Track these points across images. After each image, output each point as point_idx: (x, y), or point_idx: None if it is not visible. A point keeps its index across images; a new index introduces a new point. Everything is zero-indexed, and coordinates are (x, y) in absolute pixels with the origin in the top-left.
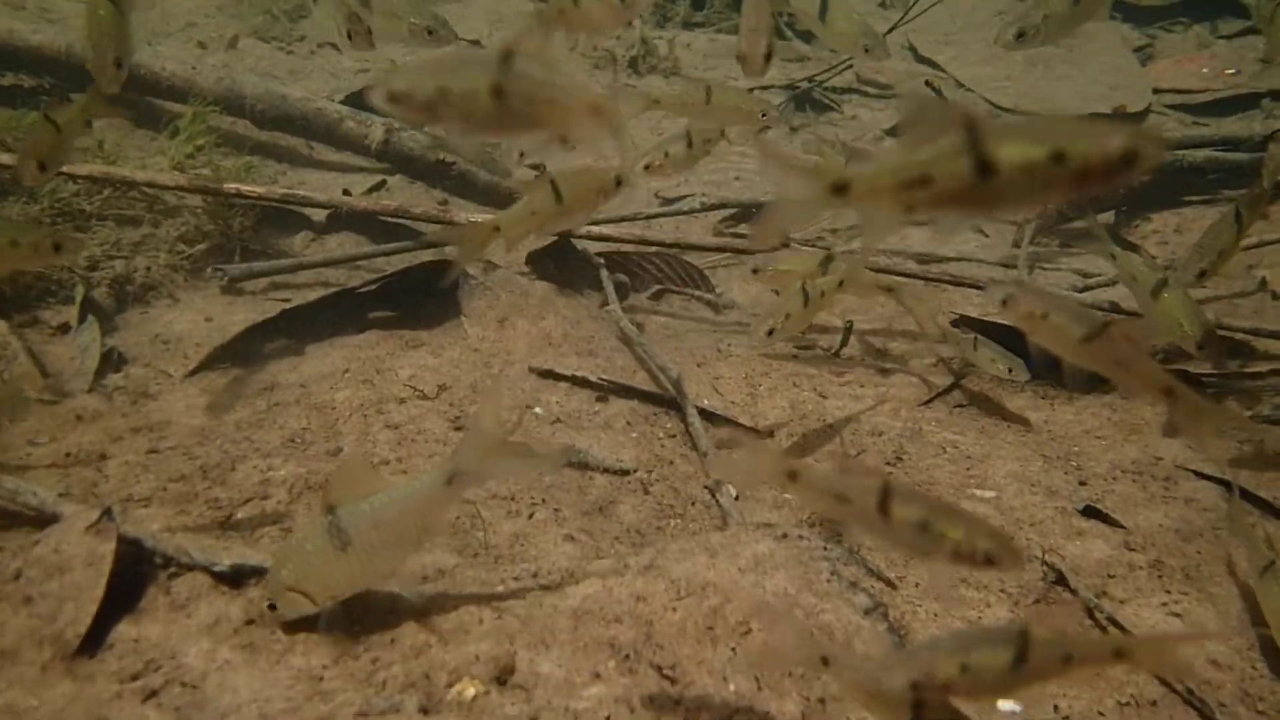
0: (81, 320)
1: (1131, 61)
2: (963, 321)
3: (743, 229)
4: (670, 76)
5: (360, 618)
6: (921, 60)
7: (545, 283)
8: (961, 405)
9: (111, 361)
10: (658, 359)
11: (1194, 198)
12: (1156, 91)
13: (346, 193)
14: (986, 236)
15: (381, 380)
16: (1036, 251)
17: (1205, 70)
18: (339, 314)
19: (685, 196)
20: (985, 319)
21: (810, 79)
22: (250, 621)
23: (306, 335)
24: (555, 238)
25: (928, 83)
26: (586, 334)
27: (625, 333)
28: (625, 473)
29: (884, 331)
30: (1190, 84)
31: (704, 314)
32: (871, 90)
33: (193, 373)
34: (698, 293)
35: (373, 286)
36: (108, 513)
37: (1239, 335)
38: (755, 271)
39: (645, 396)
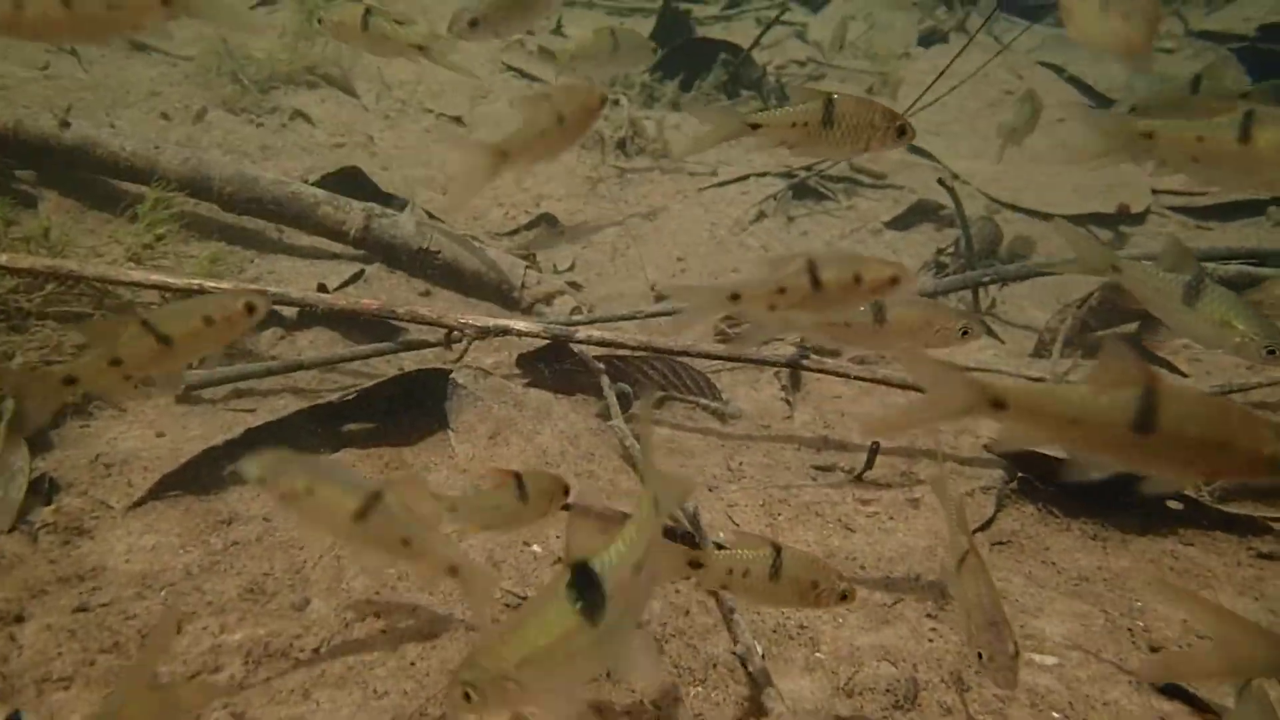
0: (9, 441)
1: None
2: (992, 447)
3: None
4: (660, 159)
5: None
6: (915, 150)
7: (539, 390)
8: (1002, 543)
9: (41, 491)
10: None
11: None
12: (1156, 192)
13: (323, 287)
14: (1003, 343)
15: None
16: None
17: None
18: (310, 428)
19: (684, 288)
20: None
21: (808, 168)
22: None
23: None
24: (549, 340)
25: (940, 181)
26: (586, 450)
27: (632, 455)
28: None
29: (907, 450)
30: (1191, 185)
31: (710, 424)
32: (866, 180)
33: (137, 504)
34: (703, 400)
35: (350, 396)
36: (14, 717)
37: None
38: None
39: None
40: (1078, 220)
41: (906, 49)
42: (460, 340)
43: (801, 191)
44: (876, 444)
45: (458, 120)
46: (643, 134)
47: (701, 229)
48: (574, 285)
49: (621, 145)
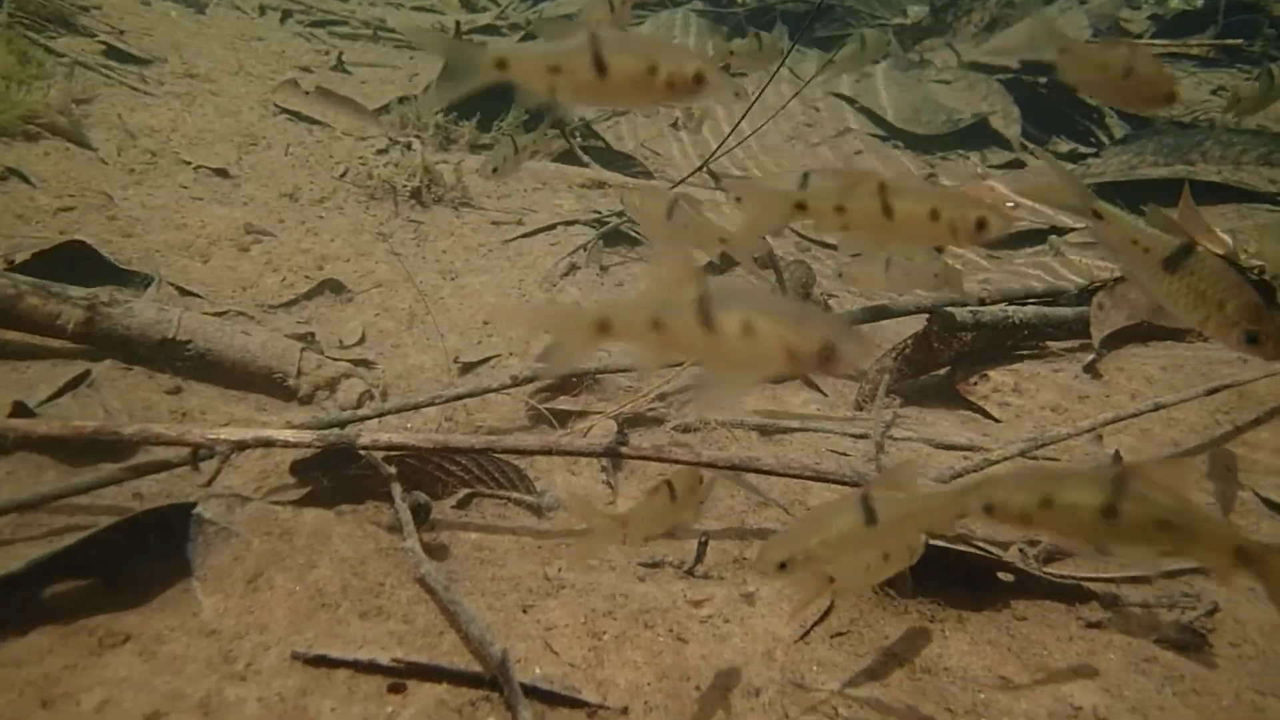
0: None
1: None
2: None
3: (563, 403)
4: (460, 208)
5: None
6: (720, 187)
7: (316, 510)
8: (841, 634)
9: None
10: (475, 624)
11: (1024, 352)
12: None
13: (21, 406)
14: (825, 395)
15: None
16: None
17: (988, 200)
18: None
19: (491, 358)
20: None
21: (619, 212)
22: None
23: None
24: (324, 449)
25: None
26: (374, 581)
27: (429, 584)
28: None
29: (737, 532)
30: None
31: (525, 520)
32: None
33: None
34: (515, 494)
35: (45, 559)
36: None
37: None
38: None
39: (457, 678)
40: None
41: None
42: (211, 457)
43: (613, 238)
44: (706, 536)
45: (222, 173)
46: (440, 181)
47: (509, 286)
48: (364, 363)
49: (416, 194)
